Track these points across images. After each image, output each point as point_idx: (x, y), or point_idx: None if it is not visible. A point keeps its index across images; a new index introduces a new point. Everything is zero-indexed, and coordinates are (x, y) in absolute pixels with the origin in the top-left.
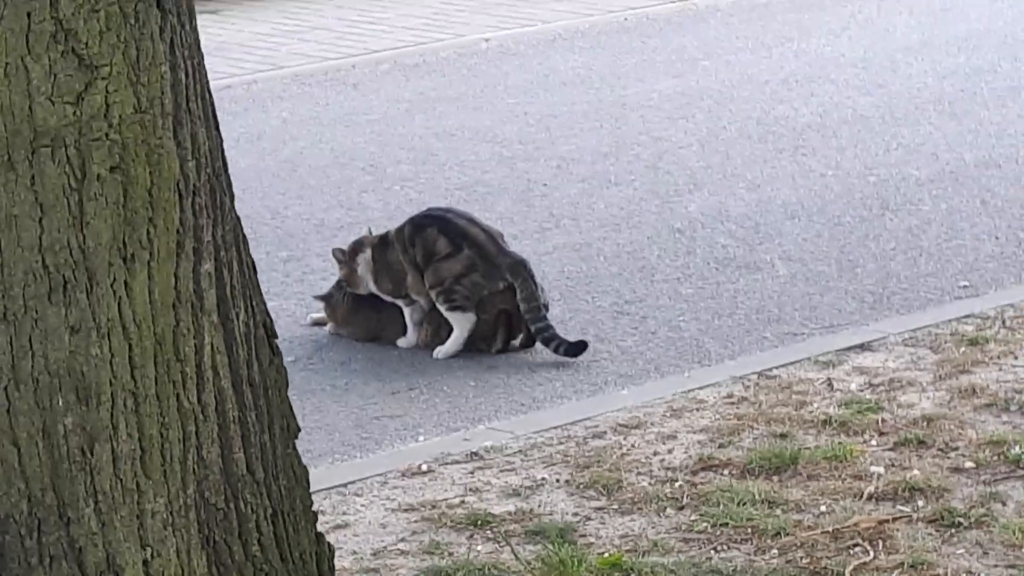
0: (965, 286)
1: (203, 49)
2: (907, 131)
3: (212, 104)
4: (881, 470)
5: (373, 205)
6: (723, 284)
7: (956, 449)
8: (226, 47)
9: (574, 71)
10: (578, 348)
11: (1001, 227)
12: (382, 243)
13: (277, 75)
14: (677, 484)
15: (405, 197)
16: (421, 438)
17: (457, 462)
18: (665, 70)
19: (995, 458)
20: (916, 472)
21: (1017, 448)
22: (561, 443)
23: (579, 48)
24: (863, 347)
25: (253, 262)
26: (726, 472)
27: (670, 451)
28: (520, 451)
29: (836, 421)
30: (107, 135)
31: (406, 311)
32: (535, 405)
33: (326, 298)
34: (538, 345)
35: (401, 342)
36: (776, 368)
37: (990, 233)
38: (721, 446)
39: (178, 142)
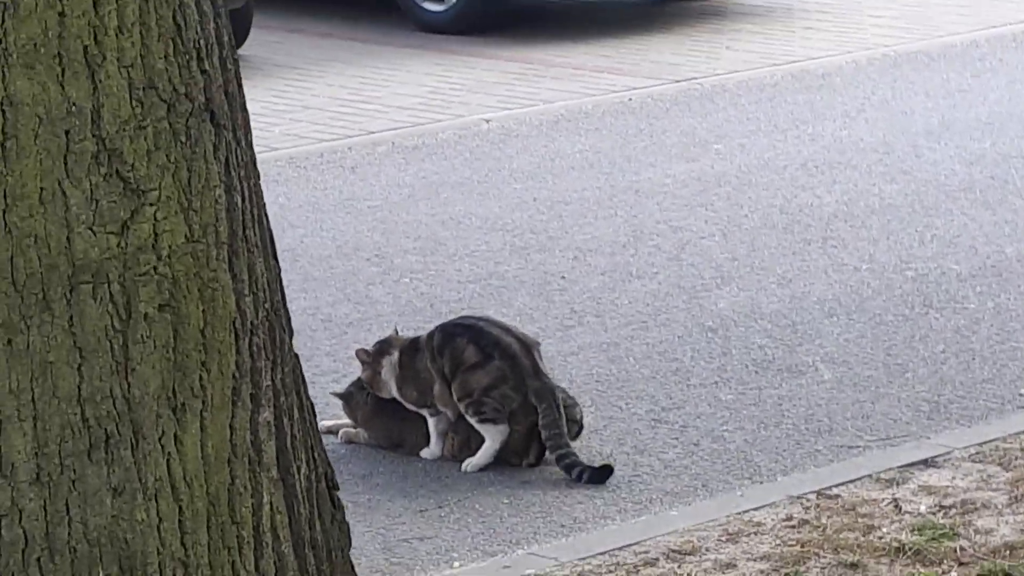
0: None
1: None
2: (940, 222)
3: (270, 230)
4: None
5: (382, 299)
6: (764, 389)
7: None
8: None
9: (581, 154)
10: (603, 474)
11: None
12: (411, 348)
13: (271, 157)
14: None
15: (415, 291)
16: (457, 564)
17: None
18: (677, 153)
19: None
20: None
21: None
22: (610, 571)
23: (584, 130)
24: (927, 463)
25: (312, 405)
26: None
27: None
28: None
29: (910, 549)
30: (155, 269)
31: (431, 421)
32: (577, 526)
33: (346, 397)
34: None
35: (425, 453)
36: (835, 487)
37: None
38: None
39: (234, 275)
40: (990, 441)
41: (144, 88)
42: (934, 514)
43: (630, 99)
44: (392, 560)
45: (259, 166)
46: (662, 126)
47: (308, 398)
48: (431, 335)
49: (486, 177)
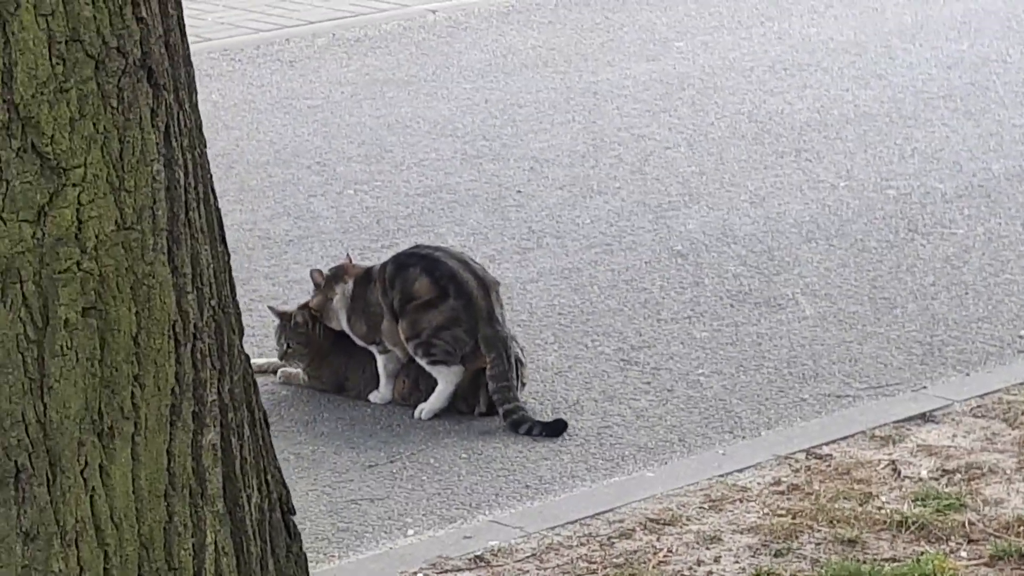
0: None
1: None
2: (920, 133)
3: (217, 209)
4: None
5: (324, 213)
6: (742, 325)
7: None
8: None
9: (535, 51)
10: (557, 428)
11: None
12: (365, 278)
13: (203, 48)
14: None
15: (360, 204)
16: (411, 531)
17: (459, 569)
18: (636, 51)
19: None
20: None
21: None
22: (582, 544)
23: (537, 24)
24: (925, 418)
25: (266, 415)
26: None
27: (716, 559)
28: (534, 555)
29: (913, 523)
30: (79, 264)
31: (380, 360)
32: (543, 487)
33: (285, 317)
34: (535, 405)
35: (373, 396)
36: (826, 444)
37: None
38: (778, 554)
39: (174, 268)
40: (992, 392)
41: (66, 42)
42: (936, 480)
43: None
44: (339, 525)
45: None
46: (619, 20)
47: (261, 408)
48: (384, 265)
49: (433, 75)
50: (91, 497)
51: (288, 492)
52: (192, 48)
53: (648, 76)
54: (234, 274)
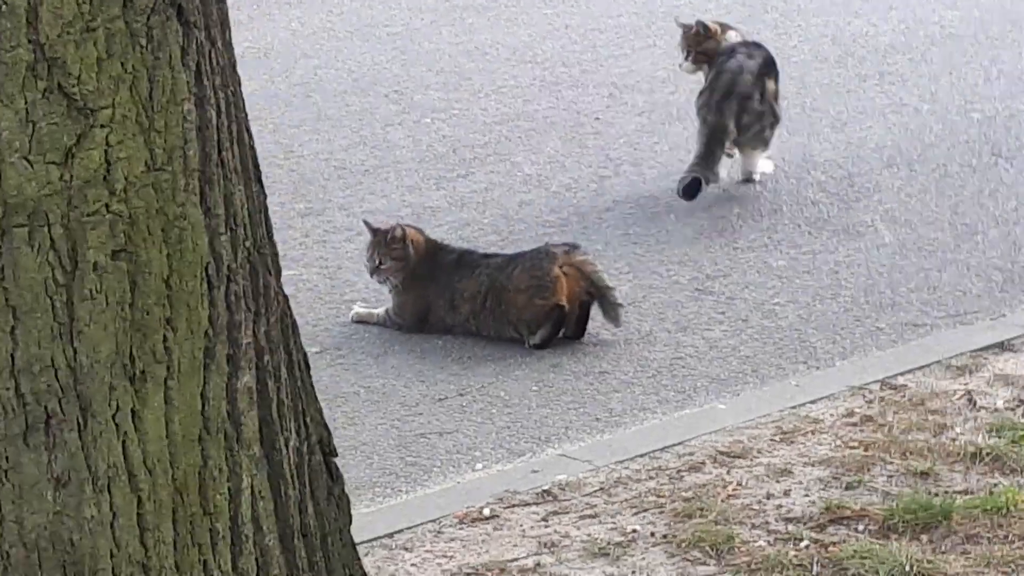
0: None
1: None
2: (1007, 55)
3: (252, 148)
4: None
5: (401, 143)
6: (819, 254)
7: None
8: None
9: None
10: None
11: None
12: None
13: None
14: (803, 544)
15: (437, 132)
16: (479, 466)
17: (526, 504)
18: None
19: None
20: None
21: None
22: (652, 477)
23: None
24: (1003, 347)
25: (306, 357)
26: (861, 528)
27: (786, 492)
28: (602, 489)
29: (987, 455)
30: (108, 207)
31: None
32: (612, 420)
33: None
34: (607, 336)
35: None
36: (901, 375)
37: None
38: (849, 487)
39: (206, 209)
40: None
41: None
42: (1013, 411)
43: None
44: (407, 459)
45: None
46: None
47: (300, 350)
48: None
49: (513, 1)
50: (123, 442)
51: (329, 434)
52: None
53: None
54: (309, 205)
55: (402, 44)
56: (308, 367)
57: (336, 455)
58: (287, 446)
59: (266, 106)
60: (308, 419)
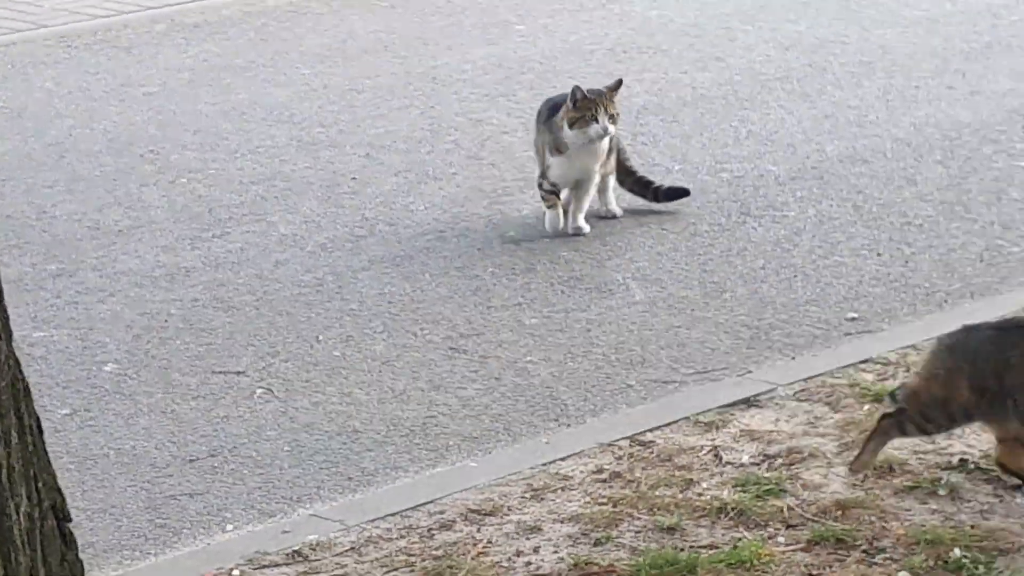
0: (853, 318)
1: None
2: (756, 115)
3: None
4: None
5: (156, 202)
6: (572, 312)
7: (883, 551)
8: None
9: (375, 36)
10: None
11: (880, 239)
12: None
13: (39, 36)
14: None
15: (192, 193)
16: (230, 527)
17: (276, 565)
18: (478, 35)
19: (932, 564)
20: None
21: (957, 551)
22: (402, 536)
23: (380, 8)
24: (749, 403)
25: (39, 421)
26: None
27: (536, 549)
28: (353, 548)
29: (732, 509)
30: None
31: None
32: (365, 479)
33: None
34: (361, 396)
35: None
36: (650, 431)
37: (870, 247)
38: (598, 543)
39: None
40: (816, 376)
41: None
42: (758, 465)
43: None
44: (157, 521)
45: (26, 45)
46: (461, 3)
47: (33, 414)
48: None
49: (272, 61)
50: None
51: (63, 499)
52: (29, 35)
53: (488, 60)
54: (61, 266)
55: (159, 104)
56: (41, 431)
57: (70, 520)
58: (18, 511)
59: (19, 166)
60: (40, 484)
